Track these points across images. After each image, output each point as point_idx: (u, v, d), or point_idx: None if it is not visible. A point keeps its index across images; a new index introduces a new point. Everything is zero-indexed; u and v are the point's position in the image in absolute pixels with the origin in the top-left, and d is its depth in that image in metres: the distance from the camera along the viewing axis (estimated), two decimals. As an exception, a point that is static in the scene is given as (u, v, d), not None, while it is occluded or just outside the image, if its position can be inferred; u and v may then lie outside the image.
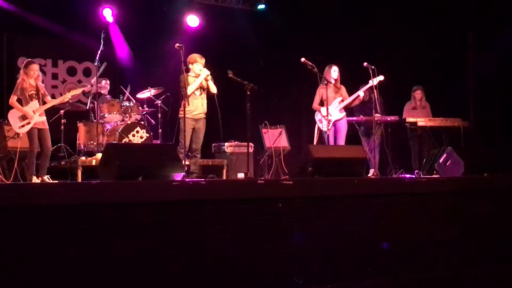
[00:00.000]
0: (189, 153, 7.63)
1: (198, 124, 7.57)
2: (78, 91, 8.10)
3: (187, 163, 7.46)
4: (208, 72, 7.58)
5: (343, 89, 8.49)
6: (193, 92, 7.49)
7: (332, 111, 8.21)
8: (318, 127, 8.41)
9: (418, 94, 9.28)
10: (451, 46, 9.94)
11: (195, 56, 7.65)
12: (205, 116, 7.67)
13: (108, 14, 10.05)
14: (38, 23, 9.73)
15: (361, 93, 8.34)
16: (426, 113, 9.17)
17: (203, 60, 7.64)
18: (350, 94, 8.44)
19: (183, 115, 7.08)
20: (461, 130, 8.69)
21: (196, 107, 7.55)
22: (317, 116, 8.44)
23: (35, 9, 9.67)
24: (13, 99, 7.23)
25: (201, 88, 7.60)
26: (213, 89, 7.62)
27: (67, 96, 7.68)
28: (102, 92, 9.14)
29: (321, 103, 8.31)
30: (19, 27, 9.76)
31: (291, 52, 9.78)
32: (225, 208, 4.96)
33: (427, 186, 6.15)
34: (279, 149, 9.17)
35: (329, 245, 5.38)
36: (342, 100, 8.39)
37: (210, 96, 7.71)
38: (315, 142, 8.36)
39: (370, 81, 8.09)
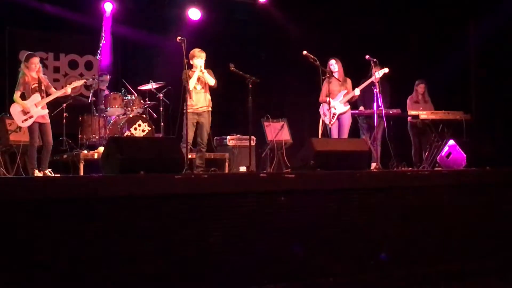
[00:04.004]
0: (192, 147, 7.63)
1: (201, 118, 7.57)
2: (80, 82, 8.11)
3: (190, 156, 7.49)
4: (200, 64, 7.50)
5: (348, 82, 8.43)
6: (195, 87, 7.49)
7: (336, 105, 8.17)
8: (323, 120, 8.37)
9: (420, 88, 9.23)
10: (452, 35, 9.93)
11: (194, 51, 7.57)
12: (209, 110, 7.66)
13: (108, 8, 10.01)
14: (39, 16, 9.70)
15: (356, 91, 8.29)
16: (428, 108, 9.14)
17: (203, 54, 7.57)
18: (355, 88, 8.39)
19: (185, 110, 7.11)
20: (463, 123, 8.68)
21: (198, 101, 7.54)
22: (322, 109, 8.40)
23: (36, 2, 9.64)
24: (17, 95, 7.21)
25: (201, 82, 7.58)
26: (210, 82, 7.56)
27: (69, 88, 7.68)
28: (101, 87, 9.15)
29: (328, 96, 8.27)
30: (20, 20, 9.73)
31: (292, 45, 9.75)
32: (227, 202, 4.96)
33: (429, 179, 6.14)
34: (281, 142, 9.15)
35: (332, 238, 5.39)
36: (347, 93, 8.34)
37: (212, 90, 7.70)
38: (319, 135, 8.33)
39: (376, 73, 8.07)
